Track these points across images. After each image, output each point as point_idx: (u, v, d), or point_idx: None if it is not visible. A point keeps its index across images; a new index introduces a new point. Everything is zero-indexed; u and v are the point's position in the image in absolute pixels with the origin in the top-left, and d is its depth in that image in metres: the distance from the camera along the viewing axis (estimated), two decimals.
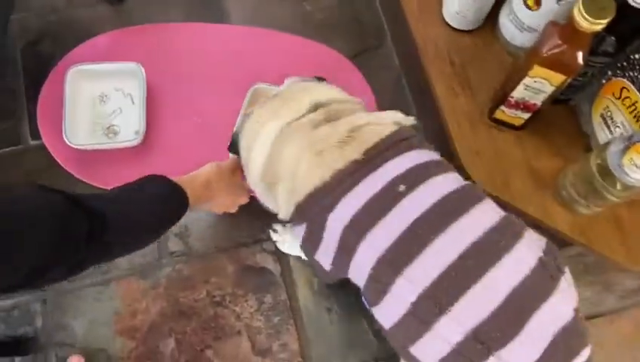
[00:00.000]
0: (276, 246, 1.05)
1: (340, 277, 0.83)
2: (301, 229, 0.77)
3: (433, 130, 1.10)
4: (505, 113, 0.89)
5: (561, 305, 0.63)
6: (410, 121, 0.77)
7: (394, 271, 0.64)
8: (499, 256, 0.63)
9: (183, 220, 1.06)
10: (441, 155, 0.76)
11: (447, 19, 0.99)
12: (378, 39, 1.24)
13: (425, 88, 1.04)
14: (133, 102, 1.12)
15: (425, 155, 0.72)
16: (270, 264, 1.05)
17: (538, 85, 0.79)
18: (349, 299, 1.03)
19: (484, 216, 0.67)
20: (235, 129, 0.90)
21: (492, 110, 0.91)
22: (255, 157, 0.78)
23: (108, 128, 1.10)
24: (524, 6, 0.87)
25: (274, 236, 1.06)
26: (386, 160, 0.70)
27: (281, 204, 0.77)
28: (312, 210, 0.72)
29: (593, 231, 0.89)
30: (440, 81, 0.96)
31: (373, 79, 1.17)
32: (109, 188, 1.07)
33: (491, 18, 0.98)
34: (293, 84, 0.83)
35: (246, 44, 1.19)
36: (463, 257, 0.63)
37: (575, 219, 0.89)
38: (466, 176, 0.91)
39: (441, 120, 0.96)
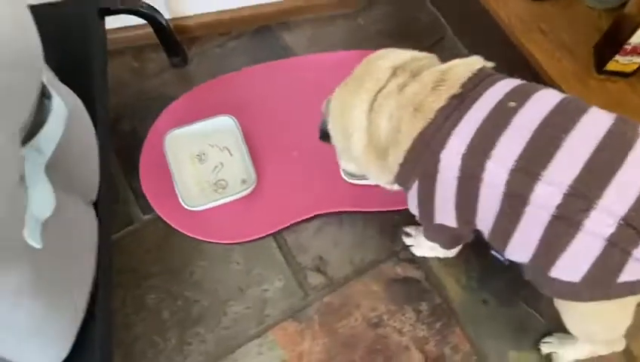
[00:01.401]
0: (412, 253, 1.05)
1: (467, 236, 0.83)
2: (414, 196, 0.77)
3: None
4: (618, 62, 0.90)
5: None
6: (490, 64, 0.78)
7: (531, 178, 0.64)
8: (630, 145, 0.63)
9: (315, 251, 1.07)
10: None
11: None
12: (439, 34, 1.26)
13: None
14: (231, 154, 1.12)
15: (519, 81, 0.73)
16: (413, 272, 1.04)
17: None
18: (499, 285, 1.02)
19: (601, 115, 0.68)
20: (322, 118, 0.88)
21: (601, 63, 0.93)
22: (353, 133, 0.78)
23: (215, 184, 1.09)
24: None
25: (407, 241, 1.05)
26: (485, 88, 0.71)
27: (389, 169, 0.77)
28: (423, 156, 0.72)
29: None
30: (539, 51, 0.98)
31: None
32: (228, 241, 1.07)
33: None
34: (366, 59, 0.82)
35: (316, 70, 1.21)
36: (599, 150, 0.63)
37: None
38: None
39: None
